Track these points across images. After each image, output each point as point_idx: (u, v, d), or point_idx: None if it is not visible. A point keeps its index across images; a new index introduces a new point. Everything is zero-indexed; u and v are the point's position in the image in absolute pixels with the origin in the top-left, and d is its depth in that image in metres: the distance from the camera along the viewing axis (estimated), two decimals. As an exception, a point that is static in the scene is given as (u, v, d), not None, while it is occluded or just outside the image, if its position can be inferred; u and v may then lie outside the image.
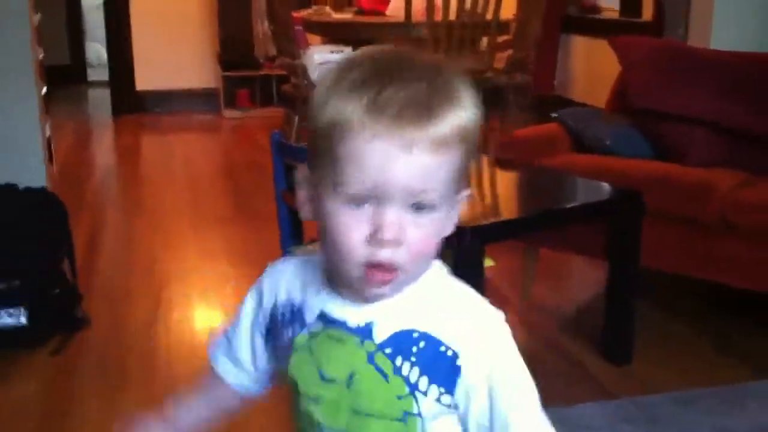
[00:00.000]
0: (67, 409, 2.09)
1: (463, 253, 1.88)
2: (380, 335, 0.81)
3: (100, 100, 6.91)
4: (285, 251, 2.57)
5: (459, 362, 0.79)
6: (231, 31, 6.33)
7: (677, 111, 2.54)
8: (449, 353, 0.80)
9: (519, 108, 4.45)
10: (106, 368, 2.30)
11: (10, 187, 2.48)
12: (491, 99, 4.16)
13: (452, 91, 0.75)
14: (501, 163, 2.74)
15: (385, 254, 0.75)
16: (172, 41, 6.40)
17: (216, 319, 2.60)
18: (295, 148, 2.46)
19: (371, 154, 0.72)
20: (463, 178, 0.80)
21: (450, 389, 0.80)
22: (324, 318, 0.85)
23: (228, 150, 5.24)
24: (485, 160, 2.69)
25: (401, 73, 0.74)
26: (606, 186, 2.24)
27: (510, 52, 4.49)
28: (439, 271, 0.85)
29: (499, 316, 0.82)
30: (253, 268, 3.29)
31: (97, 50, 8.44)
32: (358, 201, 0.75)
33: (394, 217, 0.74)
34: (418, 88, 0.73)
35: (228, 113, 6.28)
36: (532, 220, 1.99)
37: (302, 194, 0.82)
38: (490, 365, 0.79)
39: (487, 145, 4.06)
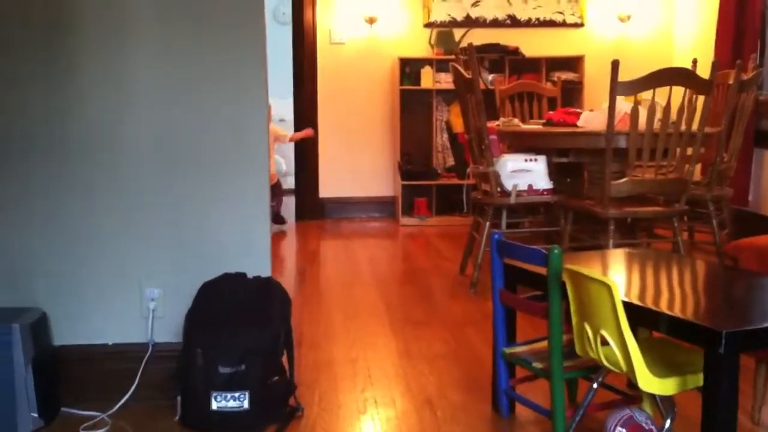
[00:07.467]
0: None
1: (718, 362, 1.77)
2: None
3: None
4: (499, 351, 2.53)
5: None
6: (412, 143, 6.58)
7: None
8: None
9: (717, 221, 4.27)
10: (324, 459, 2.30)
11: (240, 275, 2.61)
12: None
13: None
14: (726, 270, 2.60)
15: None
16: (356, 152, 6.73)
17: (421, 416, 2.56)
18: (518, 248, 2.45)
19: None
20: None
21: None
22: None
23: (409, 255, 5.32)
24: (703, 265, 2.57)
25: None
26: None
27: (709, 164, 4.37)
28: None
29: None
30: (459, 371, 3.23)
31: (277, 161, 8.99)
32: None
33: None
34: None
35: (405, 220, 6.43)
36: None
37: None
38: None
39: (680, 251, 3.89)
